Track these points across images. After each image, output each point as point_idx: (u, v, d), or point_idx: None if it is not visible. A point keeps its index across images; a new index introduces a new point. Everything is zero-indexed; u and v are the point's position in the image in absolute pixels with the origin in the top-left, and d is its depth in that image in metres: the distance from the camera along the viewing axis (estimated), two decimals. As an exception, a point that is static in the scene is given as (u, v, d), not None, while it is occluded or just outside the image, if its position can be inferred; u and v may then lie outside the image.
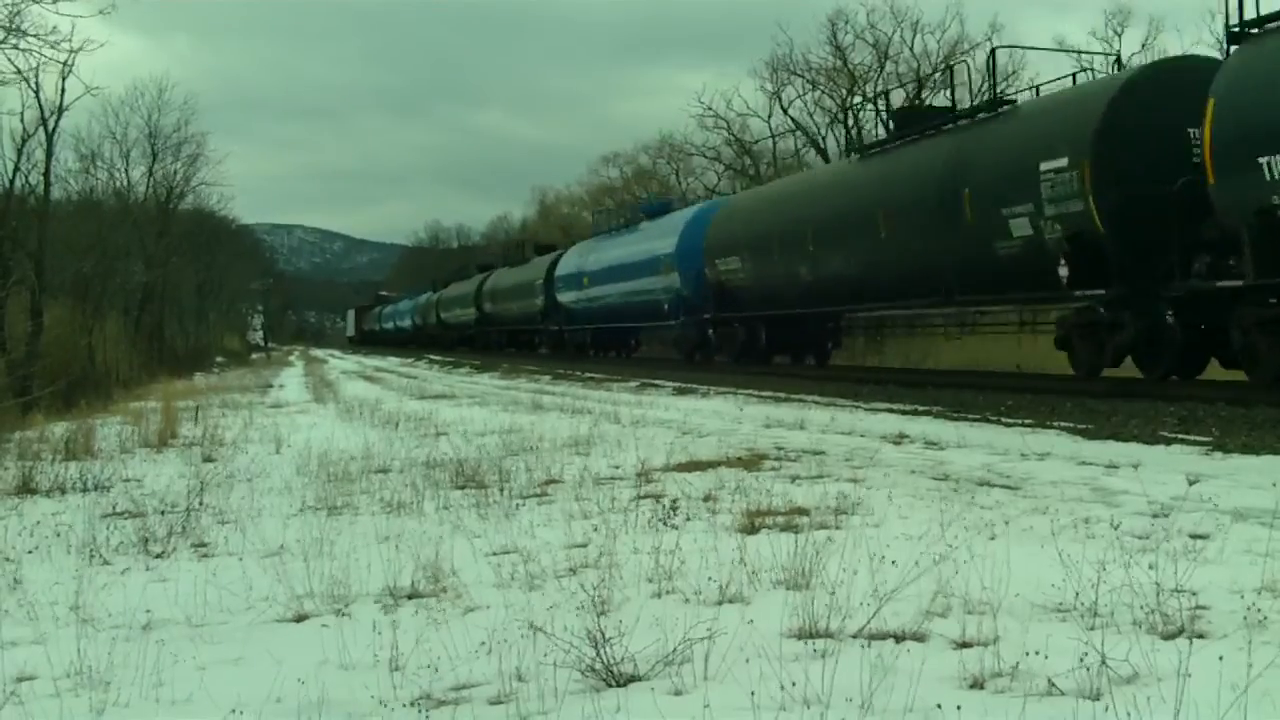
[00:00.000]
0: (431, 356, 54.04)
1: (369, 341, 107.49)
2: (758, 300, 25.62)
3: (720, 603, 4.73)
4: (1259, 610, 4.18)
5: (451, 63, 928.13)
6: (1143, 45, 44.05)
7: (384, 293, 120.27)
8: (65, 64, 23.85)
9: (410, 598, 5.11)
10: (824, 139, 49.26)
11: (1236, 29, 13.18)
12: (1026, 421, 11.40)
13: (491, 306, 53.26)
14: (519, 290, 46.77)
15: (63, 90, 27.90)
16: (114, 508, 8.12)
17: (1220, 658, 3.54)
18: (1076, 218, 14.96)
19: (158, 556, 6.36)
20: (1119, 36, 44.83)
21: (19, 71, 22.29)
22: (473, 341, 59.44)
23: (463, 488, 8.38)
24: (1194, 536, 5.51)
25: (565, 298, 39.51)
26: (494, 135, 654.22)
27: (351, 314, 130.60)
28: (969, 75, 22.63)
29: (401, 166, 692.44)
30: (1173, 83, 14.82)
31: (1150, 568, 4.65)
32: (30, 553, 6.55)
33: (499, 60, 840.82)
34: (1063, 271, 15.11)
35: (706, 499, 7.27)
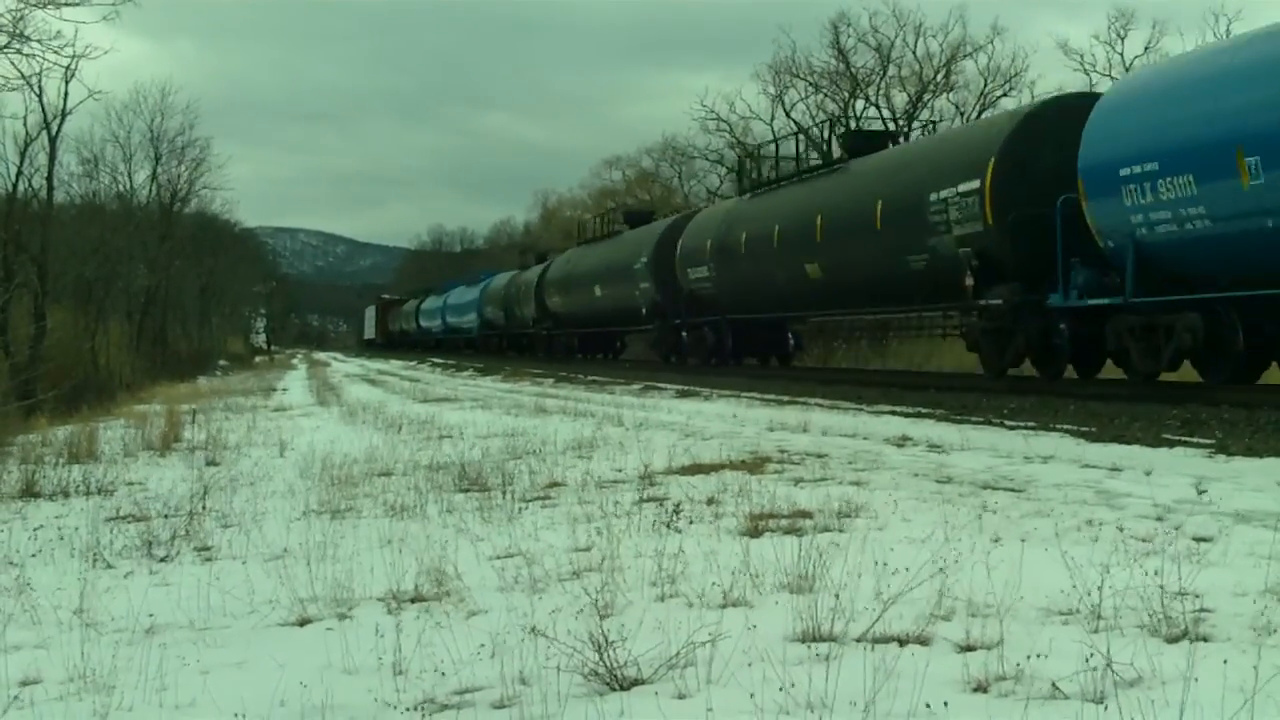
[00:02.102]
0: (435, 360, 54.02)
1: (398, 345, 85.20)
2: None
3: (723, 606, 4.72)
4: (1263, 614, 4.18)
5: (458, 65, 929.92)
6: (1145, 48, 43.99)
7: (386, 295, 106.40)
8: (68, 69, 23.81)
9: (413, 601, 5.11)
10: (827, 142, 49.27)
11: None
12: (1030, 424, 11.39)
13: (713, 276, 26.60)
14: (836, 233, 20.68)
15: (65, 94, 27.93)
16: (117, 511, 8.12)
17: (1225, 661, 3.54)
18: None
19: (161, 560, 6.36)
20: (1122, 39, 44.78)
21: (22, 76, 22.31)
22: (612, 346, 39.96)
23: (466, 491, 8.38)
24: (1197, 539, 5.51)
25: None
26: (500, 138, 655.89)
27: (371, 311, 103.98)
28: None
29: (406, 169, 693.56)
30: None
31: (1155, 573, 4.63)
32: (34, 556, 6.55)
33: (506, 63, 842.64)
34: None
35: (710, 502, 7.27)
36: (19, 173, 26.99)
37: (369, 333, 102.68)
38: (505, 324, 51.32)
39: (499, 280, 54.59)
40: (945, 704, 3.43)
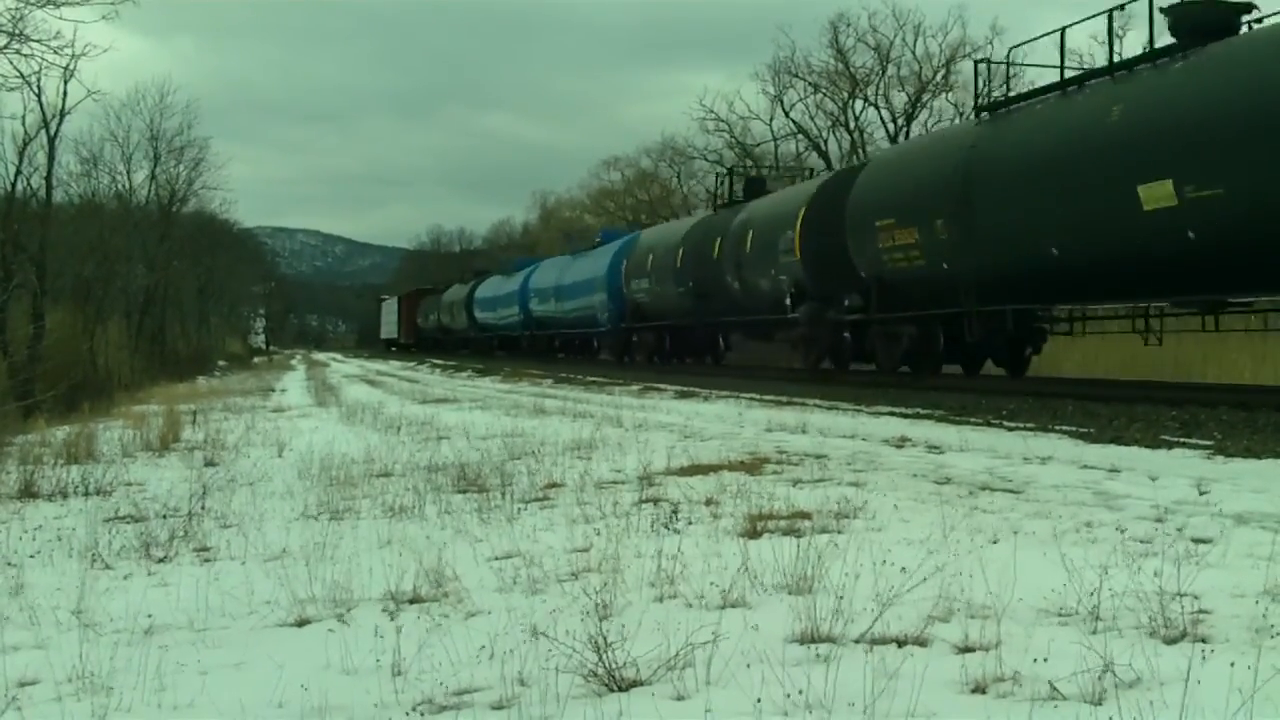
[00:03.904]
0: (434, 361, 53.99)
1: (431, 346, 68.32)
2: None
3: (723, 607, 4.72)
4: (1262, 615, 4.18)
5: (459, 65, 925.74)
6: (1144, 48, 43.96)
7: (384, 296, 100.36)
8: (67, 68, 23.80)
9: (412, 602, 5.10)
10: (825, 142, 49.34)
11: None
12: (1028, 425, 11.40)
13: None
14: None
15: (64, 94, 27.88)
16: (116, 512, 8.11)
17: (1231, 664, 3.54)
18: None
19: (160, 561, 6.35)
20: (1120, 40, 44.77)
21: (21, 76, 22.28)
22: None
23: (465, 492, 8.37)
24: (1196, 540, 5.51)
25: None
26: (501, 138, 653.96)
27: (392, 305, 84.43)
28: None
29: (406, 170, 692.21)
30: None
31: (1155, 575, 4.64)
32: (32, 557, 6.54)
33: (506, 63, 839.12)
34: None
35: (708, 503, 7.26)
36: (18, 172, 27.01)
37: (388, 330, 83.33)
38: (695, 308, 28.52)
39: (653, 238, 33.04)
40: (943, 710, 3.43)
